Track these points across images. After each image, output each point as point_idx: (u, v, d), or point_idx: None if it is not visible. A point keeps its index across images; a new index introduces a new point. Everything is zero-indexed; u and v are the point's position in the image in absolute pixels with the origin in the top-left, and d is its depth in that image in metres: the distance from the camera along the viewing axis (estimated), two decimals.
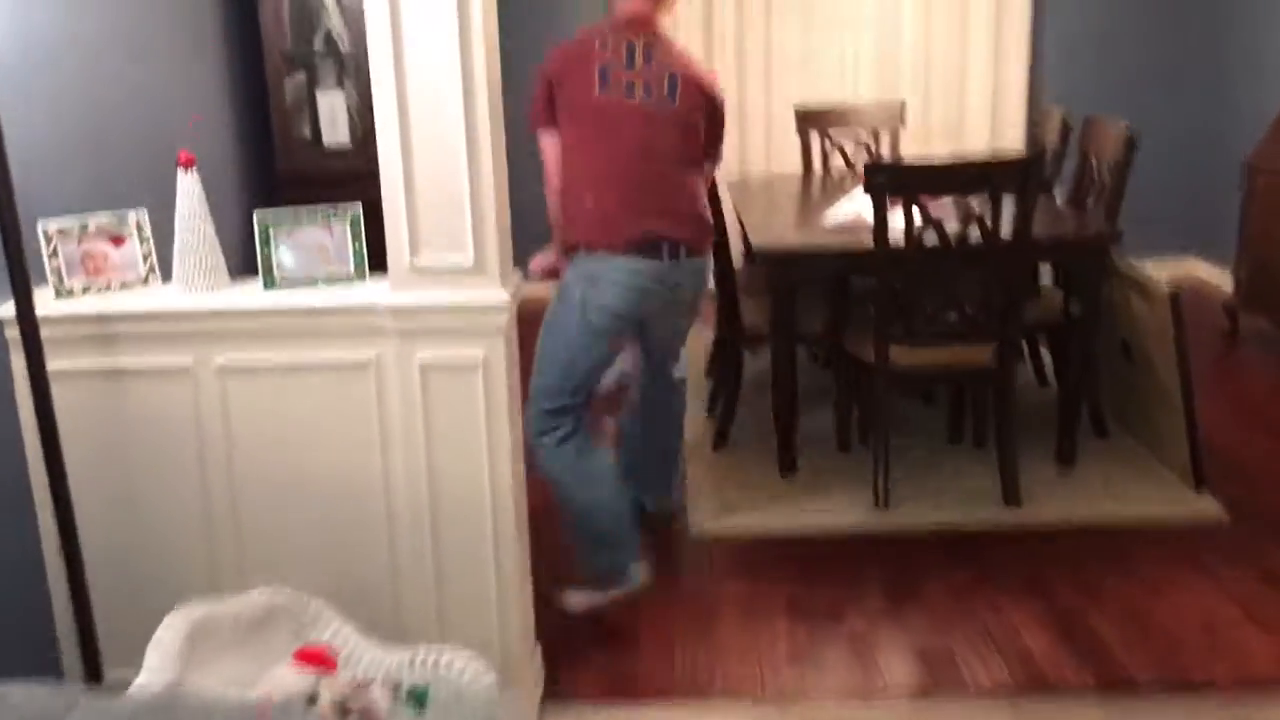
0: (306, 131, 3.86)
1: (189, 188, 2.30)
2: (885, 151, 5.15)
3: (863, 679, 2.68)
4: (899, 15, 6.02)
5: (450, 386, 2.30)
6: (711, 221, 3.01)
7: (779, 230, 3.92)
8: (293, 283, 2.32)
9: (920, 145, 5.95)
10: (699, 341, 4.26)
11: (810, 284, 3.84)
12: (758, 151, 6.18)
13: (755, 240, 3.62)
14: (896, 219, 3.31)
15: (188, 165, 2.29)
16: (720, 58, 6.01)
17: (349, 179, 3.73)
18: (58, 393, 2.28)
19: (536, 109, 2.87)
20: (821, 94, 5.91)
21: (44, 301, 2.28)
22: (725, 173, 6.03)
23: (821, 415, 4.17)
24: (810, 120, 5.20)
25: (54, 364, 2.27)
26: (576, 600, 2.87)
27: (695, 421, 4.10)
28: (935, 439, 4.03)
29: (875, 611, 2.97)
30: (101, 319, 2.28)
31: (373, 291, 2.29)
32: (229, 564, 2.40)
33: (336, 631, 2.02)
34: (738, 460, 3.95)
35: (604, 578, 2.84)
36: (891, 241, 3.31)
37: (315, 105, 3.75)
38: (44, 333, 2.26)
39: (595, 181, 2.80)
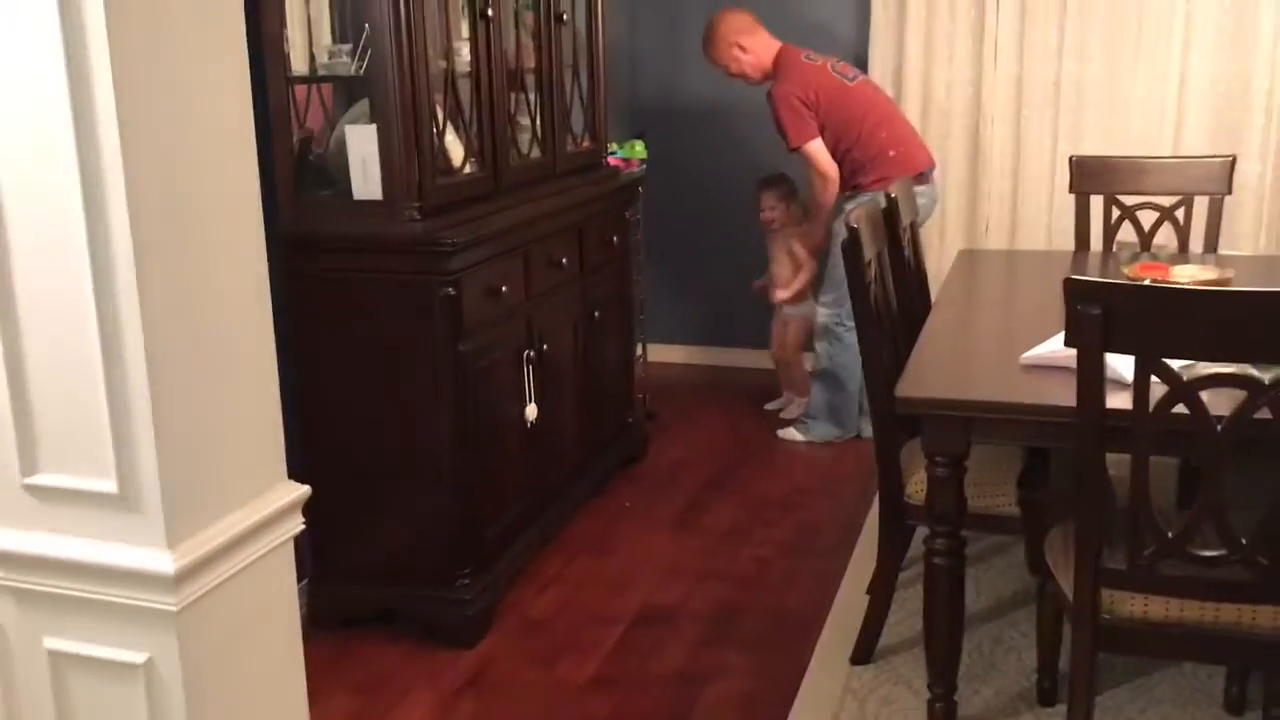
0: (323, 180, 2.95)
1: None
2: (1199, 228, 3.61)
3: None
4: (1251, 39, 4.29)
5: (100, 699, 1.26)
6: None
7: (943, 367, 2.57)
8: None
9: (1251, 222, 4.31)
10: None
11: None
12: (1006, 217, 4.67)
13: (900, 388, 2.31)
14: (1125, 368, 1.96)
15: None
16: (968, 83, 4.57)
17: (377, 245, 2.80)
18: None
19: (808, 127, 3.93)
20: (1115, 142, 4.38)
21: None
22: (946, 245, 4.65)
23: (1020, 637, 2.79)
24: (1092, 177, 3.72)
25: None
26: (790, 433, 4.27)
27: (849, 606, 2.85)
28: (1200, 704, 2.56)
29: None
30: None
31: None
32: None
33: None
34: (876, 690, 2.66)
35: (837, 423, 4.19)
36: (1112, 405, 1.95)
37: (341, 145, 2.85)
38: None
39: (888, 136, 3.97)
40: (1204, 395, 1.89)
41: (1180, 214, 3.63)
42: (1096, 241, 3.68)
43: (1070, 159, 3.77)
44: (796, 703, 2.64)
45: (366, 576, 2.96)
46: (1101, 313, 1.88)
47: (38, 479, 1.23)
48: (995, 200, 4.66)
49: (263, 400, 1.33)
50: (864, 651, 2.79)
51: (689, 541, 3.51)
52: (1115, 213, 3.69)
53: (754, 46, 4.04)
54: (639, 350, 4.48)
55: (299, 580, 2.97)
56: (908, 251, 3.21)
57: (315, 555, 2.97)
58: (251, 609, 1.32)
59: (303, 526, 1.40)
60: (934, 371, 2.48)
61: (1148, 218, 3.66)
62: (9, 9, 1.11)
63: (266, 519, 1.32)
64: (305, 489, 1.39)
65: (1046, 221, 4.58)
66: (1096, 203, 3.72)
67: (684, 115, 4.96)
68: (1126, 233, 3.71)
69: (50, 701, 1.29)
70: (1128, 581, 2.05)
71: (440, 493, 2.88)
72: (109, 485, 1.19)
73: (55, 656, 1.28)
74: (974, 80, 4.59)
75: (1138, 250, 3.62)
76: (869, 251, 2.70)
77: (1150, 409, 1.91)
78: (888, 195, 3.08)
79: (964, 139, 4.63)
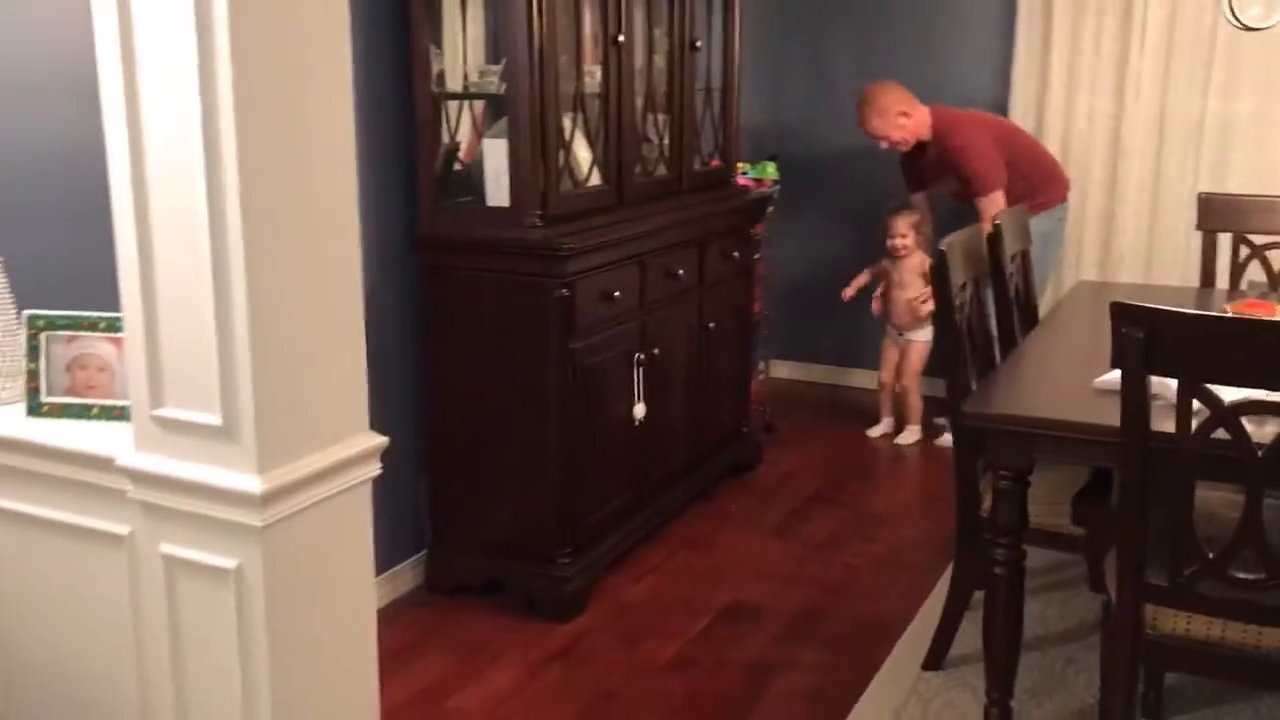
0: (466, 188, 3.25)
1: None
2: None
3: None
4: None
5: (200, 597, 1.54)
6: None
7: (1015, 386, 2.66)
8: (58, 412, 1.68)
9: None
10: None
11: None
12: (1142, 251, 4.65)
13: (967, 403, 2.42)
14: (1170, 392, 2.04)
15: None
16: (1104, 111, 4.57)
17: (503, 248, 3.07)
18: None
19: (1001, 172, 4.21)
20: (1263, 181, 4.32)
21: None
22: (1081, 274, 4.65)
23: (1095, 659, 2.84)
24: (1219, 214, 3.72)
25: None
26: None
27: (931, 619, 2.96)
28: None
29: None
30: None
31: (124, 442, 1.58)
32: None
33: None
34: (941, 694, 2.76)
35: None
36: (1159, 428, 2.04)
37: (482, 156, 3.14)
38: None
39: (1053, 166, 4.43)
40: (1248, 424, 1.96)
41: None
42: (1225, 279, 3.66)
43: (1199, 195, 3.77)
44: (862, 700, 2.77)
45: (478, 549, 3.23)
46: (1144, 336, 1.97)
47: (162, 411, 1.51)
48: (1130, 234, 4.65)
49: (350, 358, 1.59)
50: (935, 658, 2.89)
51: (786, 547, 3.65)
52: (1245, 251, 3.68)
53: (914, 113, 4.25)
54: (760, 365, 4.65)
55: (418, 549, 3.29)
56: (1015, 279, 3.30)
57: (434, 526, 3.27)
58: (327, 536, 1.57)
59: (379, 472, 1.64)
60: (1005, 390, 2.58)
61: (1277, 257, 3.63)
62: (161, 30, 1.40)
63: (345, 460, 1.57)
64: (383, 440, 1.64)
65: (1184, 257, 4.54)
66: (1225, 240, 3.71)
67: (823, 139, 5.11)
68: (1258, 272, 3.68)
69: (163, 596, 1.57)
70: (1168, 598, 2.12)
71: (548, 477, 3.12)
72: (215, 419, 1.46)
73: (168, 559, 1.55)
74: (1114, 114, 4.59)
75: (1266, 290, 3.59)
76: (960, 276, 2.81)
77: (1192, 432, 1.99)
78: (995, 225, 3.18)
79: (1102, 172, 4.63)
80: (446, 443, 3.23)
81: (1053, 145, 4.58)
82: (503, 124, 3.24)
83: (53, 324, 1.70)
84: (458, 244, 3.15)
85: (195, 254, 1.42)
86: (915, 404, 4.58)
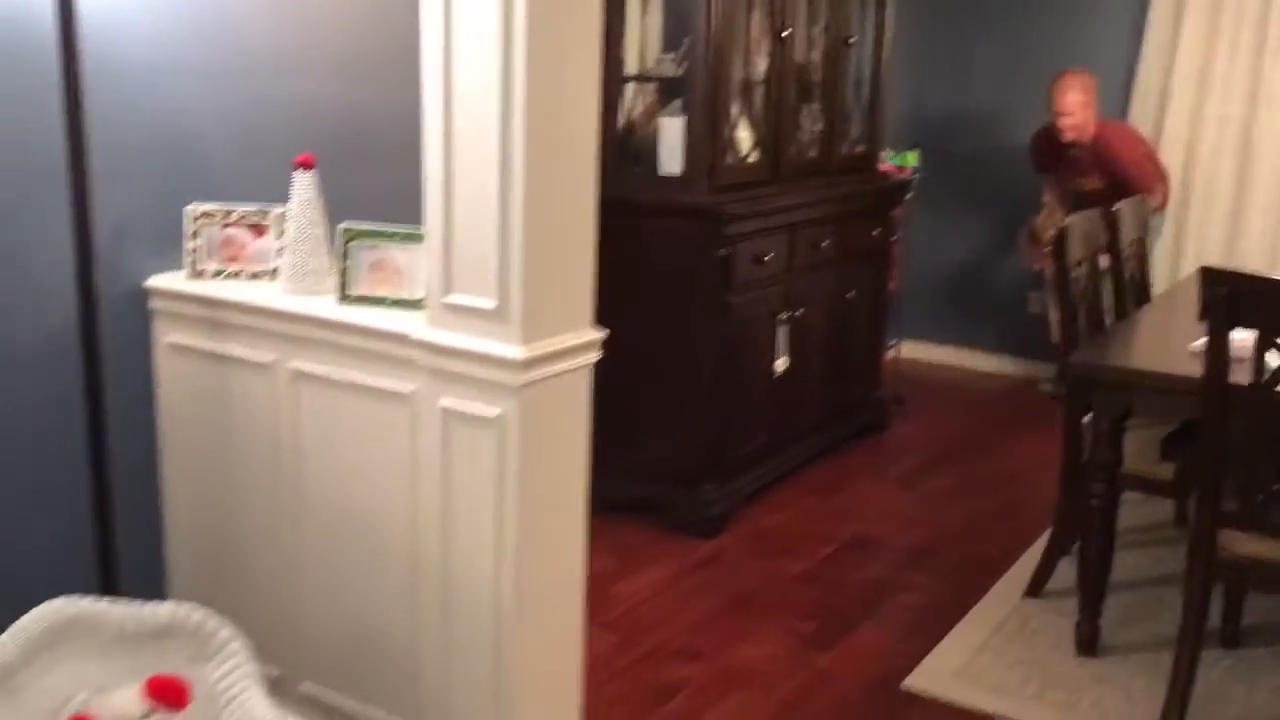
0: (640, 159, 3.75)
1: (303, 189, 2.29)
2: None
3: None
4: None
5: (468, 441, 2.06)
6: None
7: (1119, 346, 3.04)
8: (362, 301, 2.22)
9: None
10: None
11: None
12: (1266, 252, 4.90)
13: (1074, 356, 2.83)
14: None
15: (306, 167, 2.29)
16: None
17: (672, 210, 3.55)
18: (175, 365, 2.44)
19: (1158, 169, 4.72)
20: None
21: (176, 279, 2.42)
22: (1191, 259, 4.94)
23: None
24: None
25: (174, 337, 2.42)
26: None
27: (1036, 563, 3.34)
28: None
29: None
30: (213, 303, 2.36)
31: (416, 323, 2.11)
32: (287, 564, 2.39)
33: (233, 670, 1.89)
34: (1038, 615, 3.16)
35: None
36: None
37: (657, 131, 3.63)
38: (172, 308, 2.42)
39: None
40: None
41: None
42: None
43: None
44: (968, 616, 3.17)
45: (635, 472, 3.72)
46: (1227, 294, 2.35)
47: (450, 298, 2.01)
48: (1254, 240, 4.90)
49: (585, 267, 2.09)
50: (1036, 586, 3.28)
51: (908, 496, 4.07)
52: None
53: (1092, 106, 4.65)
54: (893, 341, 5.05)
55: None
56: (1131, 263, 3.65)
57: (596, 448, 3.76)
58: (561, 401, 2.07)
59: (599, 356, 2.13)
60: (1109, 348, 2.97)
61: None
62: (473, 33, 1.91)
63: (578, 345, 2.06)
64: (604, 332, 2.13)
65: None
66: None
67: (965, 131, 5.47)
68: None
69: (439, 439, 2.07)
70: (1239, 521, 2.49)
71: (699, 414, 3.60)
72: (491, 304, 1.96)
73: (445, 411, 2.06)
74: (1244, 119, 4.86)
75: None
76: (1078, 252, 3.20)
77: (1264, 379, 2.36)
78: (1113, 210, 3.54)
79: (1230, 175, 4.90)
80: (613, 378, 3.71)
81: (1178, 143, 4.89)
82: (677, 104, 3.73)
83: (360, 235, 2.23)
84: (632, 206, 3.64)
85: (485, 183, 1.92)
86: None
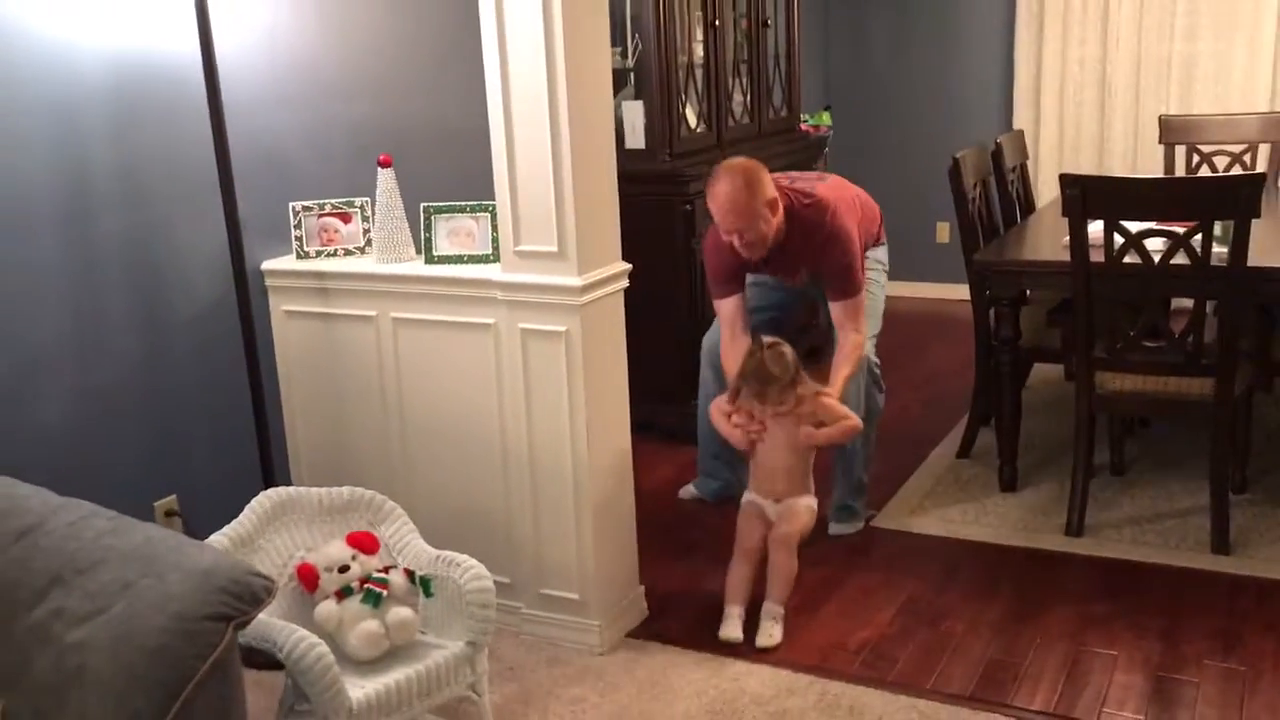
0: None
1: (386, 183, 2.99)
2: (1264, 168, 4.71)
3: (911, 675, 2.77)
4: None
5: (543, 352, 2.79)
6: None
7: (1009, 245, 3.90)
8: (445, 259, 2.94)
9: None
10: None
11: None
12: (1122, 169, 5.84)
13: (977, 255, 3.65)
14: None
15: (386, 165, 2.99)
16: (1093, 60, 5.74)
17: (641, 178, 4.29)
18: (290, 328, 3.13)
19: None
20: (1220, 109, 5.46)
21: (287, 260, 3.12)
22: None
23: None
24: (1175, 132, 4.89)
25: (288, 306, 3.11)
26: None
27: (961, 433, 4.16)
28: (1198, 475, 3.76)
29: (984, 623, 3.00)
30: (320, 275, 3.06)
31: (493, 270, 2.84)
32: (398, 467, 3.10)
33: (399, 529, 2.61)
34: (969, 469, 3.99)
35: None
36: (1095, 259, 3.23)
37: (618, 113, 4.38)
38: (285, 283, 3.11)
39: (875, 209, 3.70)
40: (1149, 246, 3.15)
41: (1247, 158, 4.74)
42: None
43: (1159, 117, 4.94)
44: (914, 475, 3.99)
45: (632, 399, 4.47)
46: (1080, 193, 3.17)
47: (521, 247, 2.74)
48: (1118, 157, 5.81)
49: (614, 219, 2.83)
50: (965, 449, 4.10)
51: None
52: (1196, 159, 4.84)
53: (767, 203, 3.19)
54: None
55: None
56: (1016, 185, 4.49)
57: None
58: (606, 318, 2.81)
59: (627, 284, 2.88)
60: (1001, 247, 3.80)
61: (1222, 162, 4.79)
62: (521, 39, 2.63)
63: (614, 274, 2.81)
64: (629, 266, 2.88)
65: (1160, 171, 5.70)
66: (1181, 152, 4.87)
67: (868, 91, 6.31)
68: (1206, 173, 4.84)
69: (520, 355, 2.80)
70: (1107, 364, 3.32)
71: (679, 343, 4.36)
72: (553, 248, 2.69)
73: (524, 331, 2.78)
74: (1100, 58, 5.75)
75: None
76: (972, 177, 4.02)
77: (1113, 254, 3.19)
78: (996, 143, 4.37)
79: (1092, 107, 5.80)
80: None
81: (1051, 87, 5.78)
82: (629, 89, 4.47)
83: (439, 210, 2.95)
84: None
85: (540, 159, 2.65)
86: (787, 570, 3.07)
